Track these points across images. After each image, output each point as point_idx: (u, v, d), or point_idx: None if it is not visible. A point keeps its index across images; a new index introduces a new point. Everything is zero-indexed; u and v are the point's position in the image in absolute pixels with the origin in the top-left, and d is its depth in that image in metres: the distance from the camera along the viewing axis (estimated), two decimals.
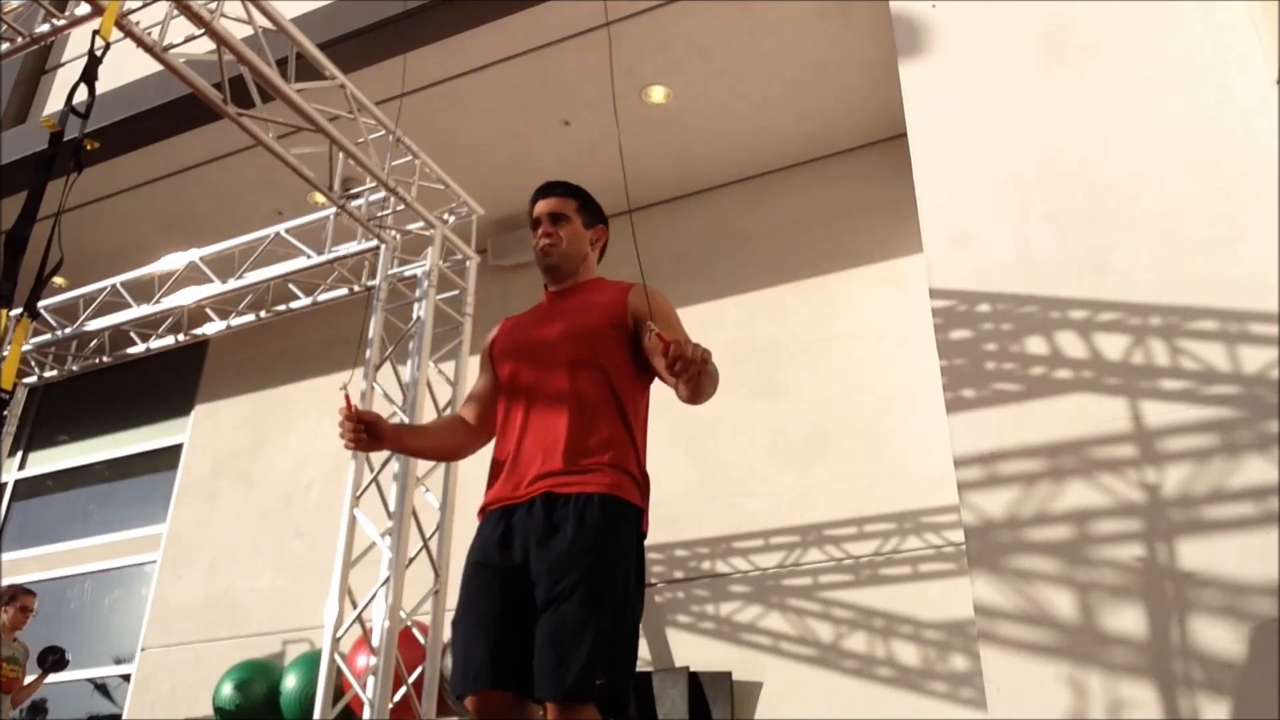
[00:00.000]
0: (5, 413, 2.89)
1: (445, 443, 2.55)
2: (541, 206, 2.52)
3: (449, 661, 5.27)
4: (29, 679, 5.77)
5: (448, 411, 5.35)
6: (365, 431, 2.29)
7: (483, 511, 2.31)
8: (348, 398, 2.33)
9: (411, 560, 4.95)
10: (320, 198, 5.83)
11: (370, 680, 4.62)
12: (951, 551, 5.11)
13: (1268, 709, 2.80)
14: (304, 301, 6.28)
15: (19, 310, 3.00)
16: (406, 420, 5.16)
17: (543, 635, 2.04)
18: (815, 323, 6.07)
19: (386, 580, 4.77)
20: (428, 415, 5.27)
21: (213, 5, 4.28)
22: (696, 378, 2.01)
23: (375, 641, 4.69)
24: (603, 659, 2.00)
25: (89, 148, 3.20)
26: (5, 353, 2.93)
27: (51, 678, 5.93)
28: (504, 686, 2.07)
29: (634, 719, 4.98)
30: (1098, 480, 3.28)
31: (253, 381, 8.05)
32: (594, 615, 2.02)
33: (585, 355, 2.31)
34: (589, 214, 2.57)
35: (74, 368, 7.12)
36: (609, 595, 2.07)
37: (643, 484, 2.28)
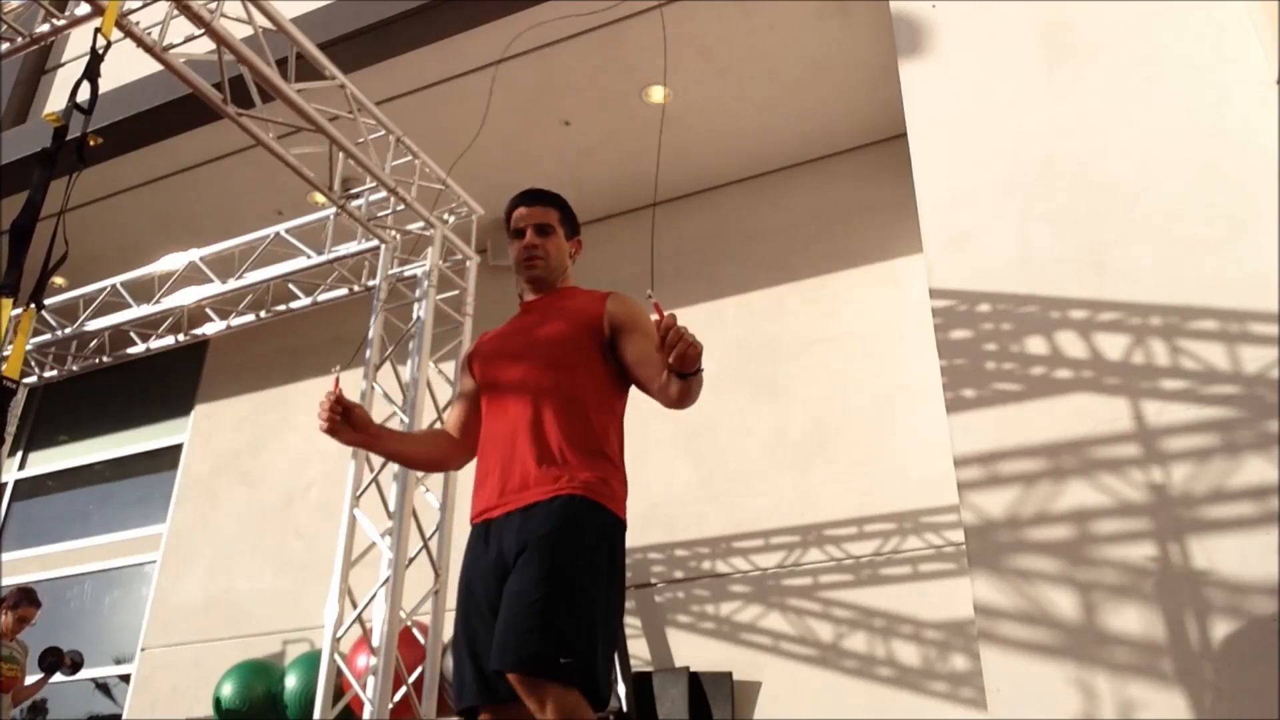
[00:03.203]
0: (10, 406, 2.90)
1: (427, 452, 2.55)
2: (525, 216, 2.49)
3: (449, 661, 5.29)
4: (30, 679, 5.77)
5: (448, 412, 5.35)
6: (342, 416, 2.28)
7: (472, 522, 2.32)
8: (337, 381, 2.32)
9: (411, 560, 4.95)
10: (320, 198, 5.83)
11: (370, 680, 4.62)
12: (951, 551, 5.11)
13: (1268, 709, 2.80)
14: (304, 301, 6.28)
15: (23, 305, 3.01)
16: (407, 420, 5.16)
17: (501, 615, 2.06)
18: (815, 323, 6.07)
19: (386, 580, 4.77)
20: (428, 415, 5.27)
21: (213, 5, 4.28)
22: (687, 366, 1.98)
23: (375, 641, 4.69)
24: (563, 640, 1.99)
25: (92, 143, 3.21)
26: (10, 344, 2.94)
27: (52, 677, 5.93)
28: (491, 700, 2.10)
29: (634, 718, 4.98)
30: (1098, 480, 3.29)
31: (253, 381, 8.05)
32: (551, 596, 2.02)
33: (560, 362, 2.31)
34: (569, 225, 2.56)
35: (74, 368, 7.12)
36: (569, 581, 2.06)
37: (618, 490, 2.27)
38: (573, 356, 2.31)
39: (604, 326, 2.35)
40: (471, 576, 2.25)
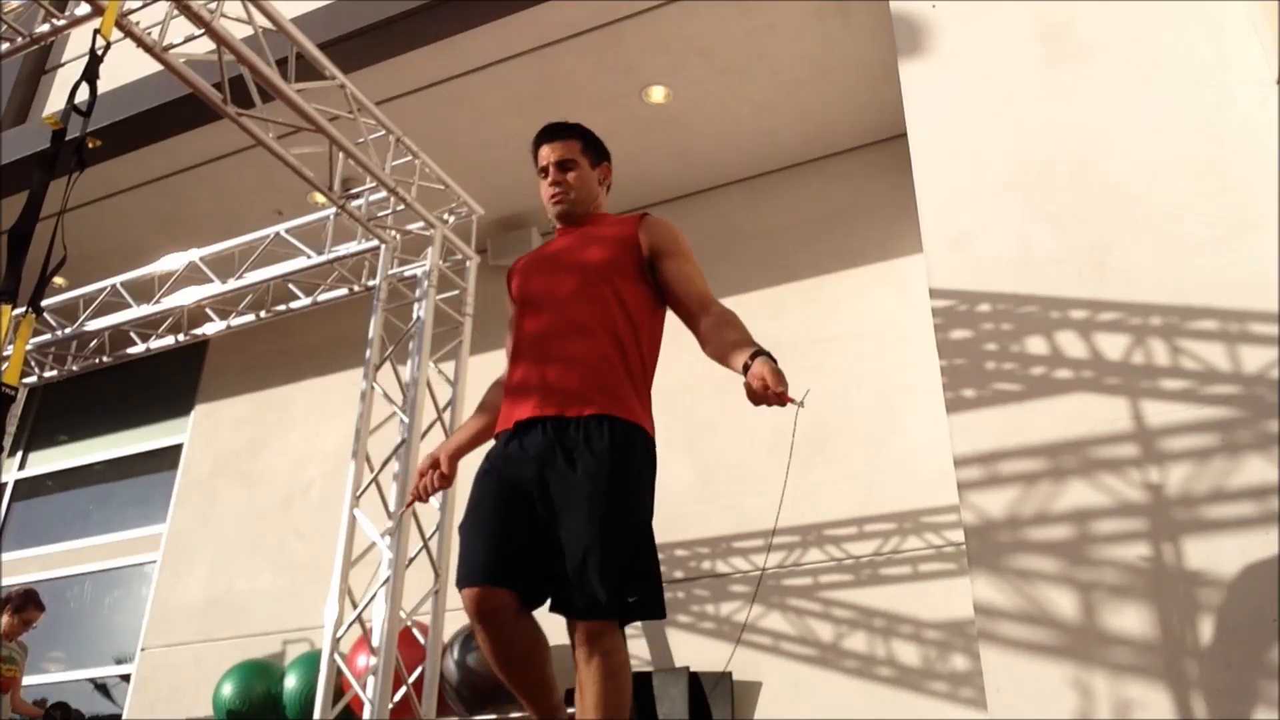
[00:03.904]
0: (9, 412, 2.90)
1: (494, 422, 2.53)
2: (547, 153, 2.54)
3: (449, 662, 5.30)
4: (27, 682, 5.77)
5: (448, 412, 5.36)
6: (435, 480, 2.38)
7: (497, 435, 2.34)
8: (415, 495, 2.44)
9: (411, 560, 4.95)
10: (320, 198, 5.83)
11: (370, 680, 4.62)
12: (951, 551, 5.11)
13: (1268, 709, 2.81)
14: (304, 301, 6.28)
15: (23, 309, 3.01)
16: (406, 421, 5.16)
17: (568, 561, 2.07)
18: (815, 323, 6.07)
19: (386, 580, 4.77)
20: (428, 415, 5.27)
21: (213, 5, 4.28)
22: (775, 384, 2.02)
23: (375, 641, 4.69)
24: (628, 578, 2.06)
25: (91, 145, 3.21)
26: (9, 350, 2.93)
27: (52, 677, 5.94)
28: (503, 584, 2.10)
29: (634, 718, 4.98)
30: (1098, 480, 3.29)
31: (253, 381, 8.05)
32: (614, 537, 2.07)
33: (595, 283, 2.35)
34: (594, 153, 2.59)
35: (74, 368, 7.12)
36: (627, 517, 2.12)
37: (649, 408, 2.32)
38: (609, 276, 2.36)
39: (642, 248, 2.40)
40: (498, 473, 2.24)
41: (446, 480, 2.40)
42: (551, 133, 2.56)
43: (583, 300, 2.33)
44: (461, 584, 2.15)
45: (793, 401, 2.00)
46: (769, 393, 1.98)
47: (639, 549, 2.13)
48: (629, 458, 2.18)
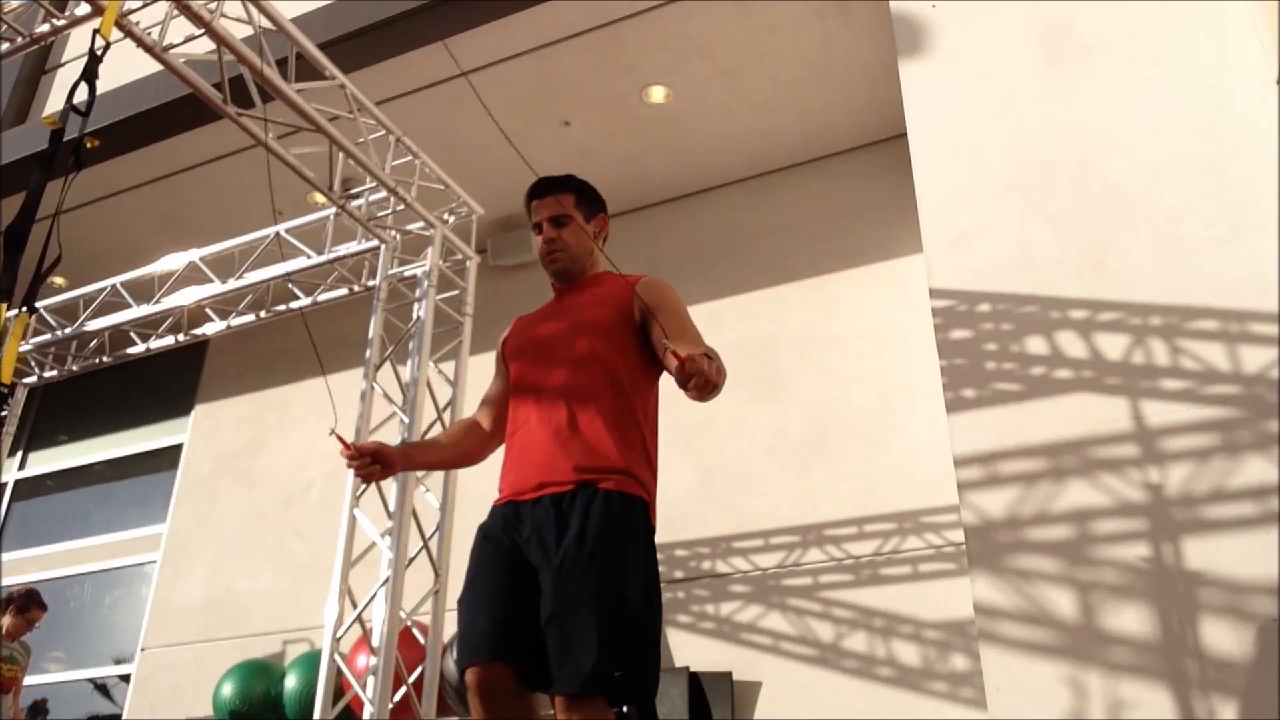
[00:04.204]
0: (6, 409, 2.91)
1: (460, 450, 2.52)
2: (540, 210, 2.47)
3: (449, 662, 5.29)
4: (29, 682, 5.77)
5: (448, 412, 5.35)
6: (373, 462, 2.29)
7: (499, 502, 2.30)
8: (339, 438, 2.31)
9: (411, 560, 4.95)
10: (320, 198, 5.83)
11: (370, 680, 4.62)
12: (951, 551, 5.11)
13: (1268, 709, 2.80)
14: (304, 301, 6.28)
15: (14, 311, 3.01)
16: (407, 420, 5.16)
17: (555, 634, 2.02)
18: (815, 323, 6.07)
19: (386, 580, 4.77)
20: (427, 415, 5.26)
21: (213, 5, 4.28)
22: (708, 387, 1.97)
23: (375, 641, 4.68)
24: (615, 653, 1.98)
25: (90, 145, 3.20)
26: (4, 348, 2.93)
27: (52, 677, 5.93)
28: (505, 659, 2.05)
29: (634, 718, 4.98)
30: (1098, 480, 3.29)
31: (253, 381, 8.05)
32: (604, 611, 2.00)
33: (592, 350, 2.30)
34: (588, 205, 2.52)
35: (74, 368, 7.12)
36: (618, 590, 2.05)
37: (651, 478, 2.27)
38: (608, 344, 2.31)
39: (634, 311, 2.34)
40: (490, 544, 2.21)
41: (373, 477, 2.34)
42: (544, 188, 2.48)
43: (579, 371, 2.28)
44: (464, 661, 2.11)
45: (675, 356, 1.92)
46: (703, 380, 1.92)
47: (632, 626, 2.04)
48: (625, 533, 2.13)
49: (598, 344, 2.30)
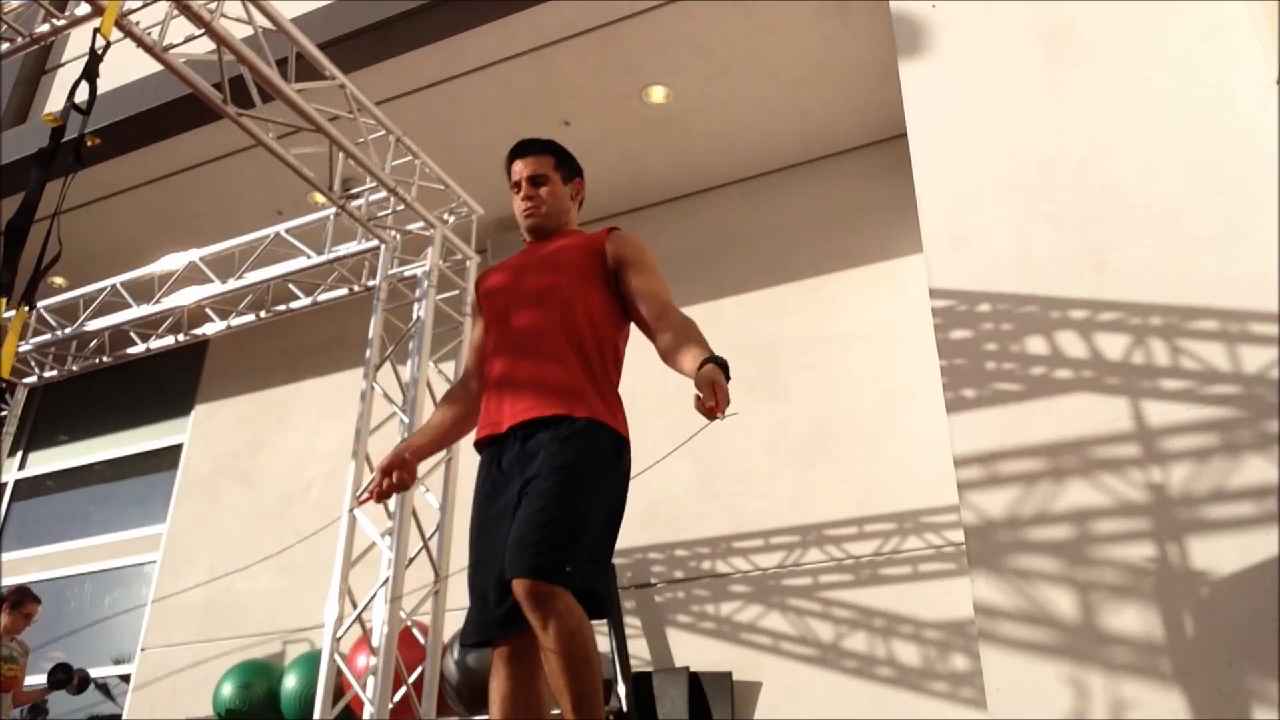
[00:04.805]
0: (5, 407, 2.91)
1: (456, 424, 2.57)
2: (520, 169, 2.57)
3: (449, 662, 5.29)
4: (31, 680, 5.77)
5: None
6: (394, 476, 2.39)
7: (477, 447, 2.38)
8: (372, 494, 2.45)
9: (411, 560, 4.95)
10: (320, 198, 5.83)
11: (370, 680, 4.63)
12: (951, 551, 5.11)
13: (1268, 709, 2.80)
14: (304, 301, 6.28)
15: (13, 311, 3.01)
16: (407, 420, 5.16)
17: (513, 531, 2.09)
18: (815, 323, 6.07)
19: (386, 580, 4.77)
20: (427, 415, 5.23)
21: (213, 5, 4.28)
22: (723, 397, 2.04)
23: (375, 641, 4.69)
24: (570, 550, 2.05)
25: (90, 144, 3.21)
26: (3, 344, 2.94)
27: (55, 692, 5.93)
28: (504, 632, 2.13)
29: (634, 718, 4.98)
30: (1098, 480, 3.28)
31: (253, 381, 8.05)
32: (561, 507, 2.08)
33: (562, 294, 2.38)
34: (567, 169, 2.62)
35: (74, 368, 7.12)
36: (579, 494, 2.12)
37: (619, 411, 2.33)
38: (576, 289, 2.38)
39: (608, 260, 2.43)
40: (481, 501, 2.30)
41: (406, 484, 2.42)
42: (525, 148, 2.59)
43: (549, 309, 2.36)
44: (474, 636, 2.19)
45: (721, 417, 2.01)
46: (703, 405, 2.00)
47: (588, 530, 2.12)
48: (590, 446, 2.20)
49: (567, 287, 2.38)
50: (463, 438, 2.66)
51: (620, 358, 2.44)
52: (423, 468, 5.10)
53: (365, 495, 2.49)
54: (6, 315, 2.92)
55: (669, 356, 2.24)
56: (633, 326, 2.47)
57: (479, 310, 2.58)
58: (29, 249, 2.98)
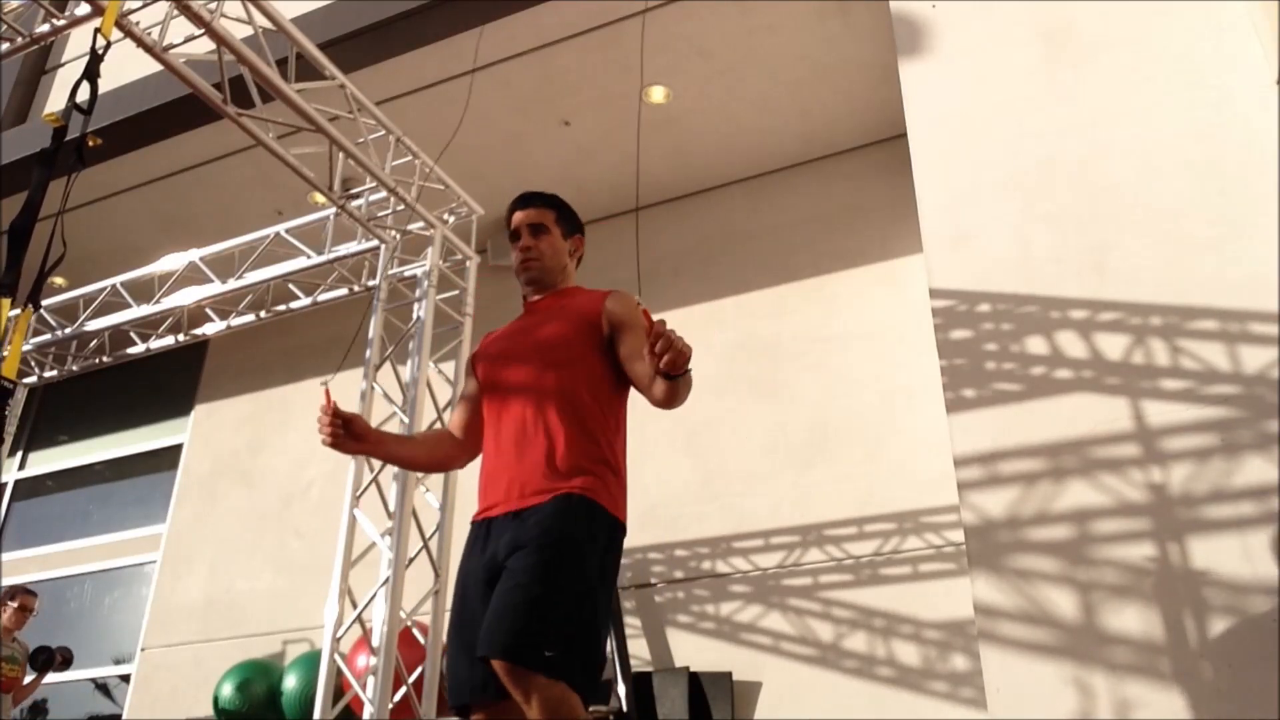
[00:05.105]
0: (8, 406, 2.91)
1: (431, 454, 2.56)
2: (520, 218, 2.52)
3: (449, 662, 5.29)
4: (28, 678, 5.77)
5: (448, 412, 5.35)
6: (343, 428, 2.31)
7: (473, 520, 2.33)
8: (328, 392, 2.33)
9: (411, 560, 4.95)
10: (320, 198, 5.83)
11: (370, 680, 4.62)
12: (951, 551, 5.11)
13: (1268, 709, 2.80)
14: (304, 301, 6.28)
15: (19, 309, 3.01)
16: (406, 421, 5.16)
17: (491, 605, 2.05)
18: (815, 323, 6.07)
19: (386, 580, 4.77)
20: (427, 415, 5.27)
21: (213, 5, 4.28)
22: (675, 369, 1.99)
23: (375, 641, 4.69)
24: (550, 633, 1.98)
25: (92, 144, 3.21)
26: (8, 345, 2.94)
27: (51, 677, 5.92)
28: (483, 699, 2.10)
29: (634, 718, 4.98)
30: (1098, 480, 3.29)
31: (253, 381, 8.05)
32: (539, 590, 2.01)
33: (561, 362, 2.31)
34: (567, 224, 2.57)
35: (74, 368, 7.12)
36: (561, 575, 2.06)
37: (617, 490, 2.27)
38: (573, 357, 2.32)
39: (603, 325, 2.35)
40: (466, 573, 2.27)
41: (338, 443, 2.32)
42: (527, 200, 2.55)
43: (544, 380, 2.30)
44: (454, 700, 2.16)
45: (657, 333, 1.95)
46: (669, 344, 1.94)
47: (570, 611, 2.04)
48: (575, 523, 2.14)
49: (565, 358, 2.32)
50: (419, 470, 2.63)
51: (623, 426, 2.38)
52: None
53: (326, 399, 2.33)
54: (11, 314, 2.92)
55: (660, 403, 2.19)
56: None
57: (470, 374, 2.53)
58: (31, 249, 2.98)
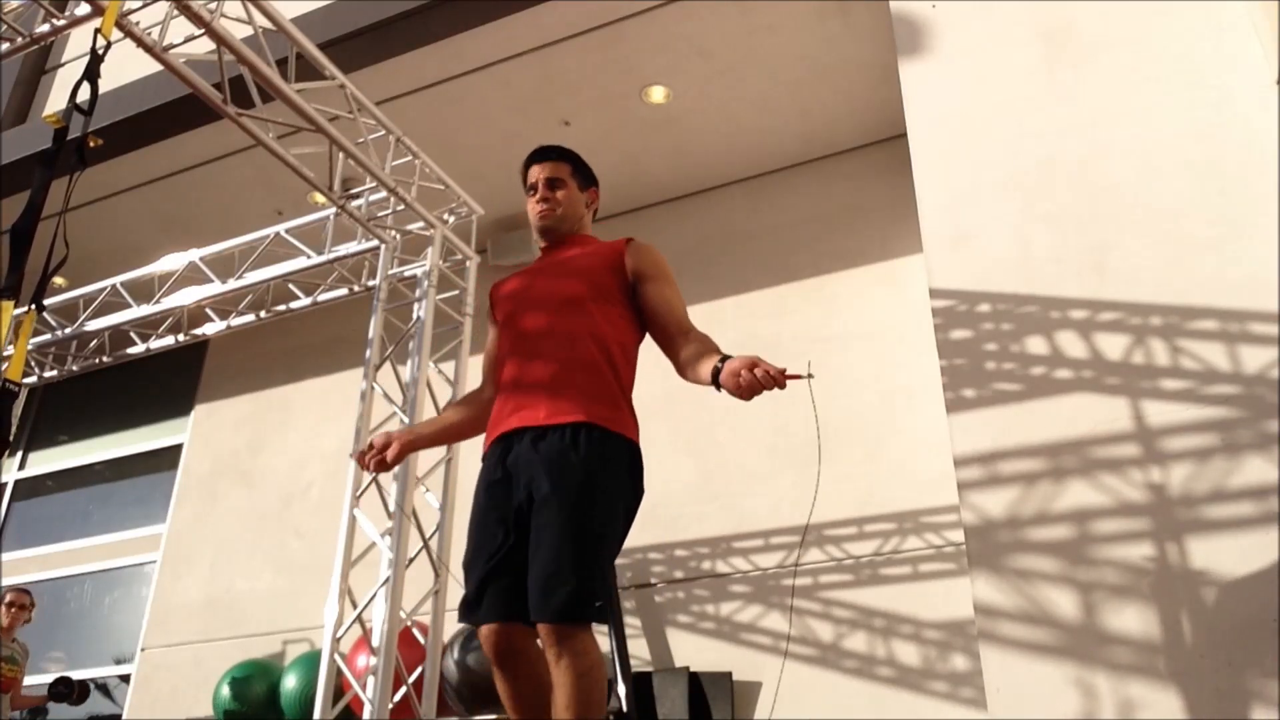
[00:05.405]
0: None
1: (466, 416, 2.59)
2: (537, 171, 2.60)
3: (449, 662, 5.30)
4: (29, 680, 5.77)
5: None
6: (382, 450, 2.41)
7: (487, 443, 2.39)
8: (359, 457, 2.47)
9: (411, 560, 4.95)
10: (320, 198, 5.83)
11: (370, 680, 4.62)
12: (951, 551, 5.11)
13: (1268, 709, 2.81)
14: (304, 301, 6.28)
15: (25, 308, 3.01)
16: (406, 421, 5.16)
17: (539, 565, 2.11)
18: (815, 323, 6.07)
19: (386, 580, 4.77)
20: (427, 415, 5.26)
21: (213, 5, 4.28)
22: (742, 394, 2.07)
23: (375, 641, 4.69)
24: (596, 586, 2.08)
25: (93, 144, 3.21)
26: (12, 346, 2.94)
27: (52, 677, 5.92)
28: (499, 619, 2.16)
29: (634, 718, 4.98)
30: (1098, 480, 3.29)
31: (253, 381, 8.05)
32: (581, 540, 2.10)
33: (577, 300, 2.38)
34: (583, 177, 2.65)
35: (74, 368, 7.12)
36: (595, 517, 2.14)
37: (630, 418, 2.34)
38: (591, 298, 2.39)
39: (626, 271, 2.44)
40: (483, 490, 2.32)
41: (385, 466, 2.43)
42: (542, 154, 2.63)
43: (565, 313, 2.37)
44: (467, 616, 2.21)
45: (798, 377, 1.96)
46: (767, 376, 1.99)
47: (605, 552, 2.17)
48: (608, 466, 2.21)
49: (583, 299, 2.38)
50: (467, 439, 2.68)
51: (633, 365, 2.44)
52: (423, 467, 5.16)
53: (357, 454, 2.51)
54: (17, 312, 2.92)
55: (687, 368, 2.25)
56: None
57: (491, 315, 2.58)
58: (32, 250, 2.98)
